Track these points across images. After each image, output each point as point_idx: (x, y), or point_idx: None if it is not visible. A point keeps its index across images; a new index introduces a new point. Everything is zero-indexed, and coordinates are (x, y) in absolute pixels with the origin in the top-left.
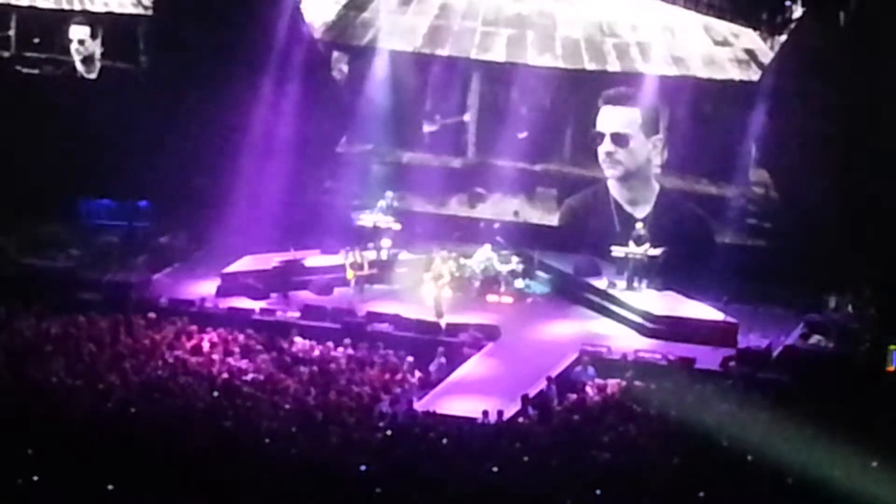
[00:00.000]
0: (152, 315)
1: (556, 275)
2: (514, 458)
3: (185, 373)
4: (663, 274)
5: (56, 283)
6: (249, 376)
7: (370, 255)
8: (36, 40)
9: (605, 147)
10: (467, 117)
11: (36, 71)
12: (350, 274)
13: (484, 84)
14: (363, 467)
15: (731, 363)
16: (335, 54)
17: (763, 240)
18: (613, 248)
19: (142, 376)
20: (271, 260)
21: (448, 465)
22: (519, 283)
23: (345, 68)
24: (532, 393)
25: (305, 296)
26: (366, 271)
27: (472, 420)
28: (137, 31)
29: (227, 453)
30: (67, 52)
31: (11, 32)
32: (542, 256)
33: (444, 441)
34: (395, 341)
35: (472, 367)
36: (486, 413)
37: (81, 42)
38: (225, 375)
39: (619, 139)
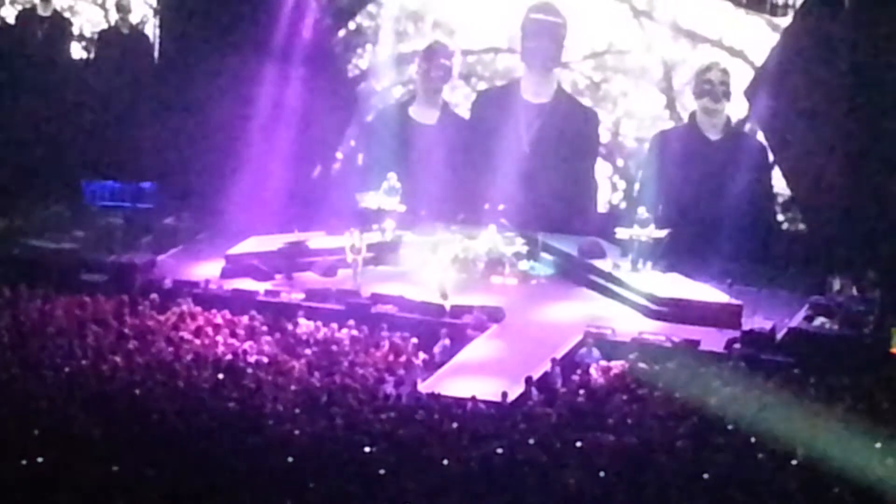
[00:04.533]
0: (156, 296)
1: (561, 256)
2: (518, 439)
3: (189, 354)
4: (668, 256)
5: (60, 265)
6: (253, 358)
7: (371, 237)
8: None
9: None
10: None
11: None
12: (350, 257)
13: None
14: (367, 448)
15: (736, 345)
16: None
17: (767, 222)
18: (618, 230)
19: (146, 357)
20: (276, 241)
21: (452, 446)
22: (523, 265)
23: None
24: (536, 375)
25: (310, 277)
26: (363, 254)
27: (469, 401)
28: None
29: (231, 435)
30: None
31: None
32: (546, 238)
33: (448, 422)
34: (399, 323)
35: (477, 348)
36: (474, 398)
37: None
38: (229, 357)
39: None
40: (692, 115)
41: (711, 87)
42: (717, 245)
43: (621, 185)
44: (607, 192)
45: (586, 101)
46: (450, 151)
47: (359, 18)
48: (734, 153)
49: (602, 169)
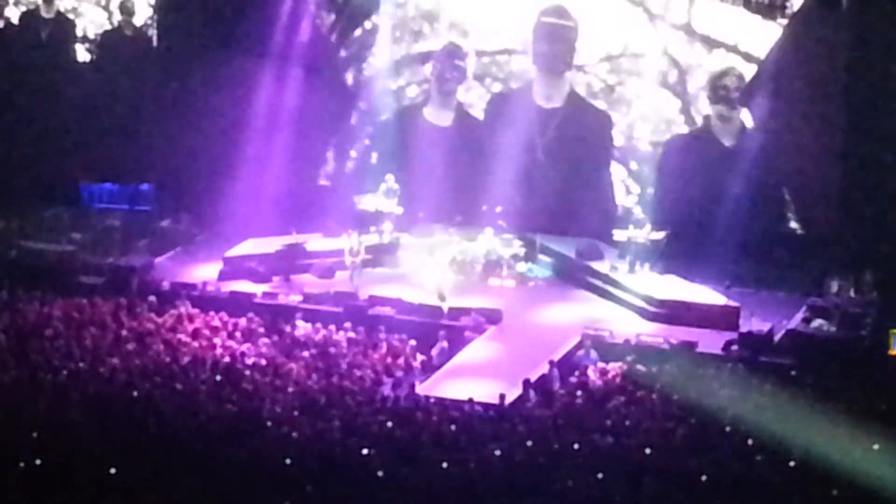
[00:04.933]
0: (154, 299)
1: (558, 258)
2: (516, 441)
3: (187, 356)
4: (665, 257)
5: (58, 267)
6: (251, 360)
7: (369, 239)
8: None
9: None
10: None
11: None
12: (348, 259)
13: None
14: (365, 450)
15: (733, 347)
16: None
17: (765, 223)
18: (615, 231)
19: (144, 360)
20: (274, 244)
21: (450, 448)
22: (521, 267)
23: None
24: (534, 377)
25: (308, 279)
26: (360, 256)
27: (467, 403)
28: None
29: (229, 437)
30: None
31: None
32: (544, 240)
33: (447, 424)
34: (397, 325)
35: (474, 350)
36: (471, 400)
37: None
38: (227, 359)
39: None
40: (706, 120)
41: (727, 92)
42: (723, 247)
43: (635, 188)
44: (621, 195)
45: (601, 104)
46: (464, 153)
47: (374, 18)
48: (748, 158)
49: (615, 172)
